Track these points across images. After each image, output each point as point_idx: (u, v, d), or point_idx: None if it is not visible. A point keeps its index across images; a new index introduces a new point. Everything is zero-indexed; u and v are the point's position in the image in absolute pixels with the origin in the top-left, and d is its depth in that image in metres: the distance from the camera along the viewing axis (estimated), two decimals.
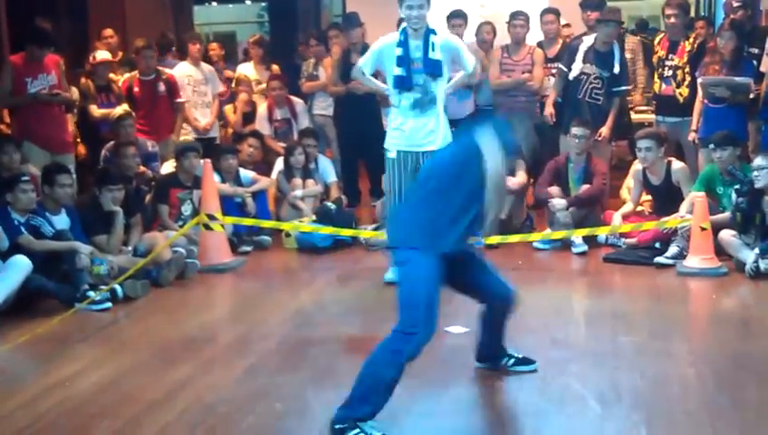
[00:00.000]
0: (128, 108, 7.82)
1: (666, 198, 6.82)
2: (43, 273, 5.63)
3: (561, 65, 7.65)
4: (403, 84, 5.79)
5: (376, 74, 6.18)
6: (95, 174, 6.74)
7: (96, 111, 7.87)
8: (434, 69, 5.77)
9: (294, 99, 8.71)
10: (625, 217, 6.95)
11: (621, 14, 7.74)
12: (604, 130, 7.42)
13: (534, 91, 8.01)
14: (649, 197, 7.14)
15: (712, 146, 6.56)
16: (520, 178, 7.31)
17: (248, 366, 4.55)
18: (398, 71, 5.77)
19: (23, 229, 5.73)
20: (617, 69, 7.40)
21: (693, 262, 6.15)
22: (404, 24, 5.84)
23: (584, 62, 7.44)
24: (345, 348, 4.84)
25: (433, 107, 5.83)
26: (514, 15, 8.18)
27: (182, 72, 8.38)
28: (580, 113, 7.39)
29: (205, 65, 8.66)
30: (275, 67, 9.42)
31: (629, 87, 7.72)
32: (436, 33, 5.81)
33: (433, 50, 5.74)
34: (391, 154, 5.94)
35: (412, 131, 5.84)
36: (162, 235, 6.67)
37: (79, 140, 7.89)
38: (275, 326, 5.29)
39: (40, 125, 6.92)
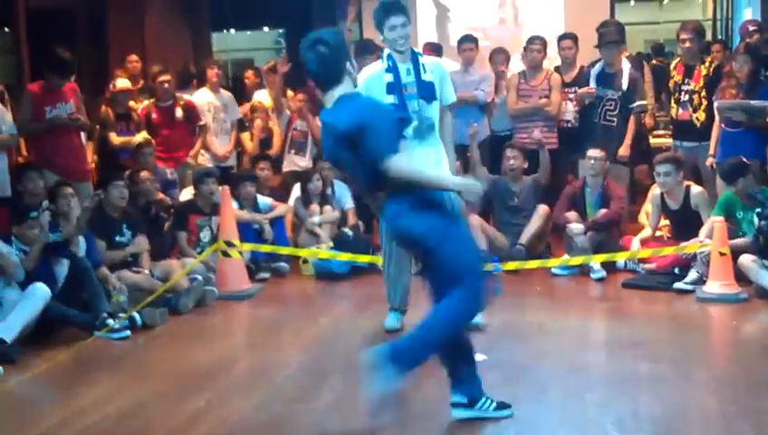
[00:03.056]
0: (147, 135, 7.87)
1: (684, 222, 6.79)
2: (63, 301, 5.68)
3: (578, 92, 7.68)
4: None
5: None
6: (99, 178, 6.80)
7: (115, 138, 7.92)
8: (427, 92, 5.36)
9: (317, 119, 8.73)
10: (643, 243, 6.93)
11: (617, 30, 7.65)
12: (621, 150, 7.43)
13: (552, 117, 8.01)
14: (668, 221, 7.12)
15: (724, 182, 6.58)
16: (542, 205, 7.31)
17: (267, 394, 4.55)
18: (390, 99, 5.28)
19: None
20: (625, 86, 7.45)
21: (713, 287, 6.11)
22: (386, 51, 5.42)
23: (601, 86, 7.50)
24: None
25: (432, 134, 5.37)
26: (531, 40, 8.22)
27: (202, 99, 8.42)
28: (596, 137, 7.43)
29: (224, 92, 8.71)
30: (291, 94, 9.46)
31: (644, 102, 7.70)
32: (422, 55, 5.54)
33: (425, 71, 5.36)
34: None
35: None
36: (178, 263, 6.71)
37: (94, 166, 7.92)
38: (294, 354, 5.29)
39: (58, 154, 6.96)
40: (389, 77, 5.31)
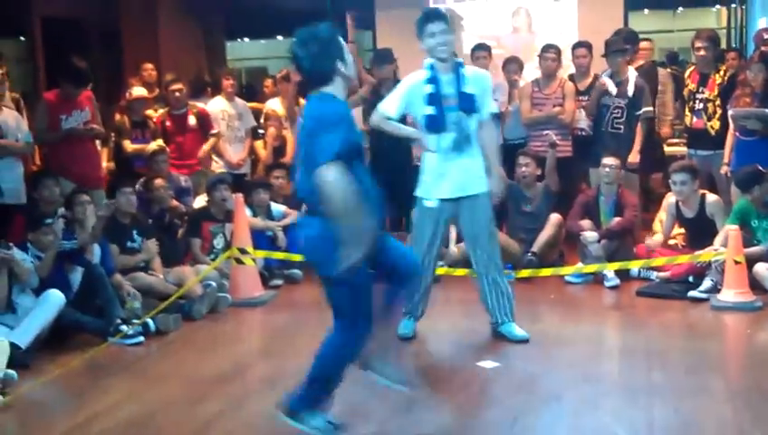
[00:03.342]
0: (162, 143, 7.91)
1: (699, 231, 6.76)
2: (77, 307, 5.70)
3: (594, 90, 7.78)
4: (434, 125, 5.23)
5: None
6: (110, 186, 6.84)
7: (129, 145, 7.95)
8: (468, 104, 5.24)
9: None
10: (654, 249, 6.91)
11: (622, 39, 7.82)
12: (630, 157, 7.45)
13: (566, 125, 8.00)
14: (683, 230, 7.09)
15: (739, 191, 6.56)
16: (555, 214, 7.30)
17: (280, 401, 4.54)
18: (429, 110, 5.22)
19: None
20: (631, 93, 7.49)
21: (727, 296, 6.08)
22: (429, 60, 5.31)
23: (605, 93, 7.59)
24: (376, 383, 4.80)
25: (470, 146, 5.28)
26: (546, 49, 8.20)
27: (216, 107, 8.48)
28: (605, 145, 7.49)
29: (239, 100, 8.75)
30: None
31: (650, 109, 7.70)
32: (464, 66, 5.38)
33: (467, 83, 5.25)
34: (430, 203, 5.34)
35: (455, 176, 5.29)
36: (191, 270, 6.73)
37: (108, 173, 7.96)
38: (307, 361, 5.23)
39: (74, 162, 7.00)
40: (430, 88, 5.24)
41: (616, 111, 7.57)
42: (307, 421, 3.82)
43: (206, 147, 8.21)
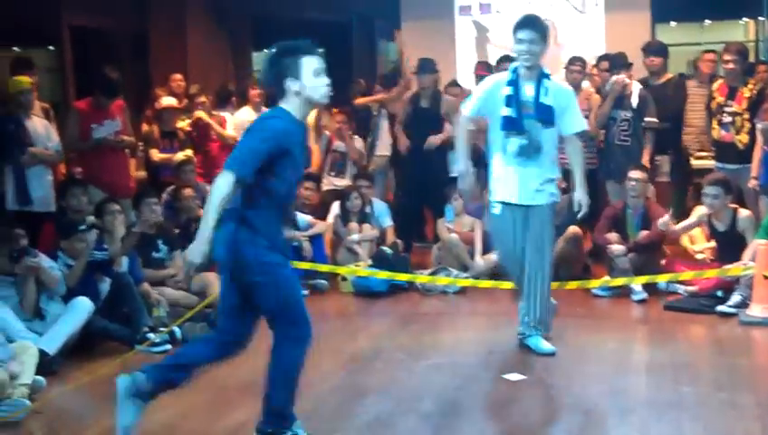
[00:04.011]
0: (190, 153, 7.96)
1: (730, 245, 6.70)
2: (105, 315, 5.74)
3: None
4: (513, 126, 5.23)
5: None
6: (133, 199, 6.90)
7: (156, 155, 8.01)
8: (545, 115, 5.24)
9: (355, 138, 8.82)
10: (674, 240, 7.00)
11: (623, 55, 8.08)
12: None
13: (593, 137, 7.98)
14: (712, 244, 7.03)
15: None
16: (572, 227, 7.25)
17: (304, 412, 4.51)
18: (507, 111, 5.24)
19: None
20: (635, 104, 7.60)
21: (756, 311, 6.03)
22: (515, 63, 5.37)
23: (613, 107, 7.70)
24: (402, 395, 4.81)
25: (538, 157, 5.28)
26: (572, 61, 8.24)
27: (243, 117, 8.51)
28: (614, 158, 7.65)
29: (266, 110, 8.79)
30: (335, 110, 9.51)
31: (654, 119, 7.70)
32: (549, 78, 5.35)
33: (546, 94, 5.24)
34: (495, 210, 5.41)
35: (518, 183, 5.29)
36: (216, 275, 6.72)
37: (138, 182, 8.02)
38: (331, 371, 5.28)
39: (104, 171, 7.07)
40: (509, 90, 5.27)
41: (623, 124, 7.68)
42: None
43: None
